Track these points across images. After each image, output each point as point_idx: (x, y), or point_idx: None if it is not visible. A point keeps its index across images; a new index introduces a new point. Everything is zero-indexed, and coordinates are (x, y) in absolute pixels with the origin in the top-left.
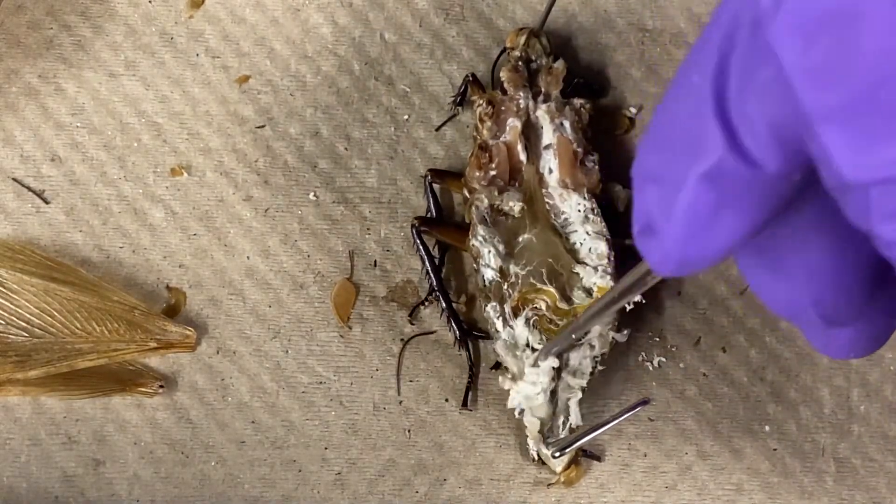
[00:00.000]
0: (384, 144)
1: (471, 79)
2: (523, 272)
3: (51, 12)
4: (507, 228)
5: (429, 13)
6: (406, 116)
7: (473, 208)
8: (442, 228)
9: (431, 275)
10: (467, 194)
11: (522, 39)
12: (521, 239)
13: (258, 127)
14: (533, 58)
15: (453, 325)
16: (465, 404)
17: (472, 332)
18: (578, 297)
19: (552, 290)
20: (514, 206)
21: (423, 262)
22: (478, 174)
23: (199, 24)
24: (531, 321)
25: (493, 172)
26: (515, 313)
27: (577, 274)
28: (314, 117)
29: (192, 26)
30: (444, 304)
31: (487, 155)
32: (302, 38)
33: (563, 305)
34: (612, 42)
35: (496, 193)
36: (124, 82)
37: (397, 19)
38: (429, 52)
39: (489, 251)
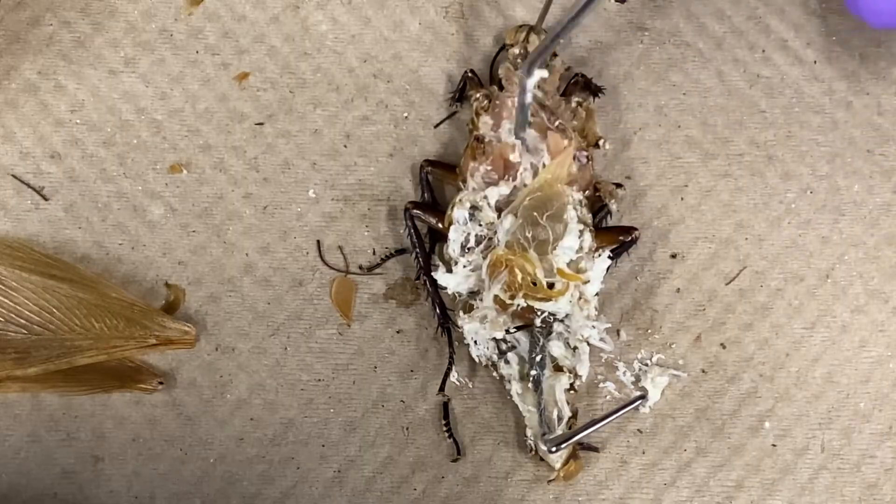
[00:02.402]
0: (383, 142)
1: (469, 75)
2: (509, 237)
3: (51, 9)
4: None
5: (428, 11)
6: (405, 114)
7: (455, 210)
8: (436, 215)
9: (420, 259)
10: (461, 185)
11: (521, 36)
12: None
13: (257, 124)
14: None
15: (437, 310)
16: (441, 389)
17: (455, 321)
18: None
19: (534, 256)
20: (492, 205)
21: (413, 246)
22: (472, 164)
23: (198, 22)
24: (503, 283)
25: (487, 167)
26: (492, 273)
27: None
28: (313, 114)
29: (191, 23)
30: (430, 289)
31: (482, 147)
32: (301, 36)
33: (541, 276)
34: (612, 41)
35: (483, 189)
36: (124, 79)
37: (397, 16)
38: (428, 50)
39: (462, 261)
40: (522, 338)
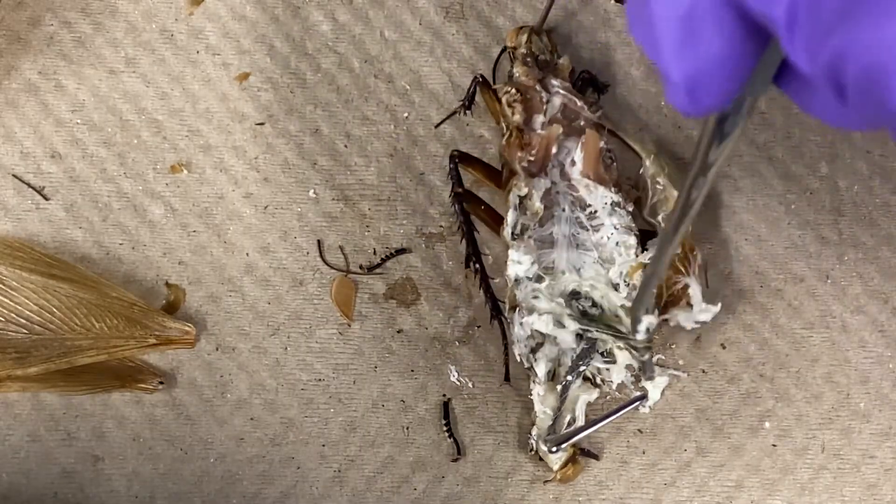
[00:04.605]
0: (384, 142)
1: (480, 80)
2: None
3: (51, 9)
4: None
5: (428, 11)
6: (406, 114)
7: (511, 195)
8: (483, 208)
9: (471, 246)
10: (507, 173)
11: (524, 38)
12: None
13: (258, 124)
14: (538, 54)
15: (488, 299)
16: (507, 378)
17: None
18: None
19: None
20: (537, 201)
21: (462, 234)
22: (520, 154)
23: (199, 22)
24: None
25: (531, 157)
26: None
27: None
28: (314, 114)
29: (192, 23)
30: (481, 278)
31: (529, 137)
32: (302, 36)
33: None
34: (612, 41)
35: (528, 179)
36: (124, 79)
37: (397, 17)
38: (428, 50)
39: (520, 247)
40: (568, 339)
